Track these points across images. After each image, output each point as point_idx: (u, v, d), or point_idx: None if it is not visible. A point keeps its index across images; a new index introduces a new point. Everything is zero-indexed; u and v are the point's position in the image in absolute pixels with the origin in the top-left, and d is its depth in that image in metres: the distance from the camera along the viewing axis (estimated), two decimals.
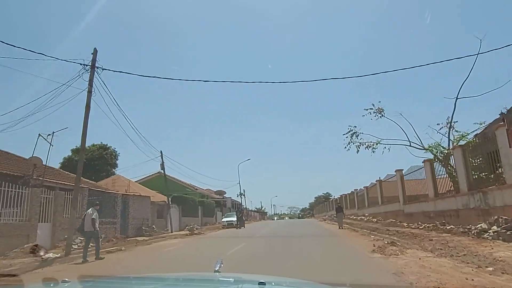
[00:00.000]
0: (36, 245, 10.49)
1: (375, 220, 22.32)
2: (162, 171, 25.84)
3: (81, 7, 64.75)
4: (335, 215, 24.06)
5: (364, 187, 28.03)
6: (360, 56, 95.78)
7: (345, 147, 15.56)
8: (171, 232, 23.70)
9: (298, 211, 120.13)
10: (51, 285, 1.79)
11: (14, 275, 4.42)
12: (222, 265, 2.22)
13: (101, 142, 43.32)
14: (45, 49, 73.11)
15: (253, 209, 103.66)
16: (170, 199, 28.06)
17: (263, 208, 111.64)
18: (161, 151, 25.65)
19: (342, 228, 19.33)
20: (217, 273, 2.16)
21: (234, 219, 31.05)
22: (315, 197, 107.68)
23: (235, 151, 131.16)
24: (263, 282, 1.66)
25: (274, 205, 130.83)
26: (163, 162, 25.48)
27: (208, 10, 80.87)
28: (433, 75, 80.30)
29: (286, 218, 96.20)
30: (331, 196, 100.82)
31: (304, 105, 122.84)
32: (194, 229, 23.50)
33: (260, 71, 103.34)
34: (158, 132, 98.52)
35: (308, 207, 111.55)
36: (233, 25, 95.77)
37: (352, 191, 34.65)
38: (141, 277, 2.63)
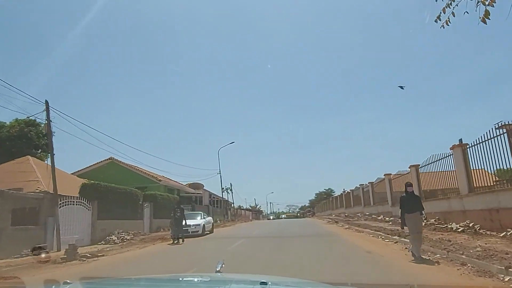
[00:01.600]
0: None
1: (459, 227, 10.68)
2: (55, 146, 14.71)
3: (78, 6, 61.36)
4: (398, 219, 10.53)
5: (411, 166, 16.32)
6: (360, 54, 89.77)
7: (436, 19, 3.67)
8: (57, 250, 12.18)
9: (297, 209, 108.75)
10: (53, 287, 1.84)
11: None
12: (223, 265, 2.21)
13: (28, 117, 31.56)
14: (43, 48, 64.76)
15: (247, 208, 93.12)
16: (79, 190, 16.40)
17: (258, 206, 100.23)
18: (46, 101, 13.87)
19: (429, 260, 6.78)
20: (219, 273, 2.14)
21: (198, 222, 18.84)
22: (316, 194, 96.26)
23: (234, 150, 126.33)
24: (264, 282, 1.66)
25: (270, 203, 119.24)
26: (49, 120, 13.72)
27: (207, 8, 75.63)
28: None
29: (283, 216, 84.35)
30: (334, 192, 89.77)
31: (304, 103, 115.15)
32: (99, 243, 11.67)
33: (259, 70, 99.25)
34: (157, 131, 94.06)
35: (308, 204, 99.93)
36: (233, 23, 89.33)
37: (380, 178, 23.20)
38: (142, 278, 2.59)
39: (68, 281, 1.83)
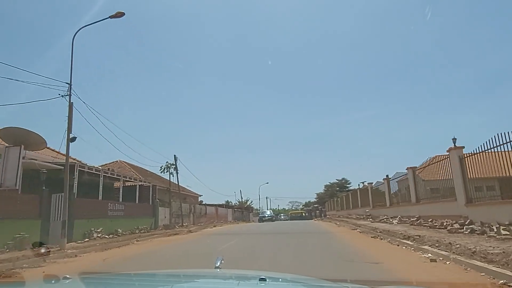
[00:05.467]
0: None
1: None
2: None
3: (81, 3, 56.12)
4: None
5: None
6: (364, 50, 79.90)
7: None
8: None
9: (301, 206, 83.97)
10: (52, 281, 1.80)
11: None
12: (222, 261, 2.17)
13: None
14: (44, 45, 57.99)
15: (234, 204, 69.27)
16: None
17: (249, 202, 75.23)
18: None
19: None
20: (218, 270, 2.09)
21: None
22: (326, 185, 71.27)
23: (234, 147, 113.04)
24: (263, 278, 1.62)
25: (267, 197, 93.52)
26: None
27: (208, 5, 69.00)
28: None
29: (268, 214, 49.63)
30: (350, 183, 65.92)
31: (305, 101, 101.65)
32: None
33: (260, 67, 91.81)
34: (158, 128, 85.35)
35: (315, 199, 74.78)
36: (233, 20, 78.57)
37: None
38: (142, 274, 2.59)
39: (67, 276, 1.77)
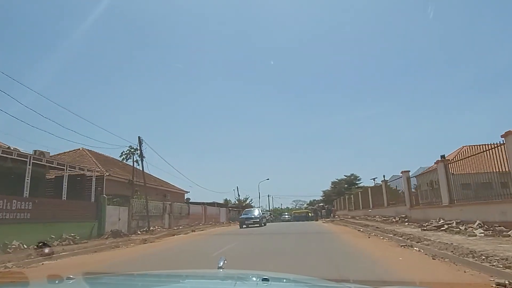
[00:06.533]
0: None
1: None
2: None
3: (82, 4, 52.79)
4: None
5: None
6: (366, 49, 75.94)
7: None
8: None
9: (305, 205, 77.06)
10: (56, 281, 1.78)
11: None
12: (225, 261, 2.15)
13: None
14: (46, 46, 56.43)
15: (234, 203, 62.98)
16: None
17: (248, 201, 68.25)
18: None
19: None
20: (221, 270, 2.09)
21: None
22: (333, 183, 64.34)
23: (235, 146, 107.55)
24: (266, 278, 1.62)
25: (269, 195, 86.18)
26: None
27: (209, 5, 65.82)
28: None
29: (256, 212, 29.14)
30: (360, 179, 59.15)
31: (308, 99, 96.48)
32: None
33: (262, 66, 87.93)
34: (158, 127, 79.84)
35: (321, 198, 67.59)
36: (234, 19, 74.50)
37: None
38: (145, 274, 2.58)
39: (71, 276, 1.77)
